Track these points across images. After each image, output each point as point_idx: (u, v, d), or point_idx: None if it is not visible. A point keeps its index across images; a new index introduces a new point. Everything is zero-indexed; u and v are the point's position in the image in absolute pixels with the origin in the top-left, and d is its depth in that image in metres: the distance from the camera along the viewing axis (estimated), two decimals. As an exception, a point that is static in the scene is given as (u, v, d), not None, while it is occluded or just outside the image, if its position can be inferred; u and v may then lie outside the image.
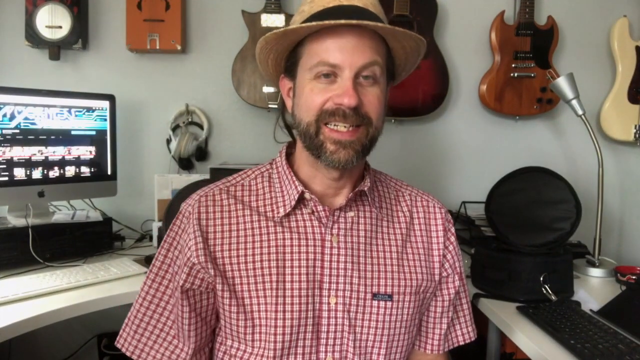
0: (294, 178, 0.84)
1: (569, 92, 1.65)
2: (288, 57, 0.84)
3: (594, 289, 1.48)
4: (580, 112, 1.66)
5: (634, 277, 1.47)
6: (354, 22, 0.73)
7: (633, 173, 2.10)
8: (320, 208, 0.84)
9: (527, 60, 1.95)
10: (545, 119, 2.08)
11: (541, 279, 1.28)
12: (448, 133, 2.08)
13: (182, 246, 0.84)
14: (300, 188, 0.83)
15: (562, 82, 1.65)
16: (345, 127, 0.77)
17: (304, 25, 0.75)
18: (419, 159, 2.08)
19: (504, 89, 1.97)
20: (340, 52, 0.75)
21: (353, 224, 0.85)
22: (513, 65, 1.96)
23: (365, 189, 0.86)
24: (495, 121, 2.08)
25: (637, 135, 1.97)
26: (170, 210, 1.42)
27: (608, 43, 2.02)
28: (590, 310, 1.24)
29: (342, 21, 0.73)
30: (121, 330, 0.87)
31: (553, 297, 1.26)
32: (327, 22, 0.73)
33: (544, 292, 1.27)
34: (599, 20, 2.03)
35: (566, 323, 1.13)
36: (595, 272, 1.60)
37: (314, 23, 0.74)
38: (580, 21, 2.04)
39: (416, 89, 1.94)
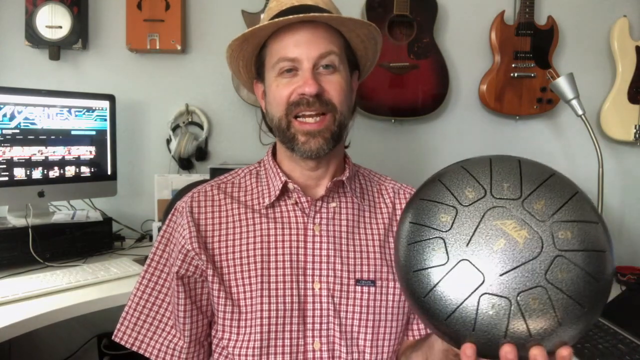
0: (278, 170, 0.89)
1: (569, 92, 1.65)
2: (256, 62, 0.89)
3: (594, 289, 1.47)
4: (580, 112, 1.66)
5: (634, 277, 1.47)
6: (300, 16, 0.78)
7: (633, 173, 2.10)
8: (303, 199, 0.88)
9: (527, 60, 1.95)
10: (545, 119, 2.08)
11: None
12: (448, 133, 2.08)
13: (177, 238, 0.87)
14: (283, 179, 0.87)
15: (562, 82, 1.65)
16: (312, 118, 0.82)
17: (255, 27, 0.81)
18: (419, 159, 2.08)
19: (504, 89, 1.97)
20: (297, 46, 0.81)
21: (335, 214, 0.89)
22: (513, 65, 1.96)
23: (344, 178, 0.89)
24: (495, 121, 2.08)
25: (637, 135, 1.97)
26: (169, 210, 1.42)
27: (608, 43, 2.02)
28: (590, 310, 1.24)
29: (291, 17, 0.78)
30: (118, 324, 0.89)
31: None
32: (276, 20, 0.79)
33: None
34: (599, 20, 2.03)
35: (566, 323, 1.13)
36: (595, 272, 1.60)
37: (265, 22, 0.81)
38: (580, 21, 2.04)
39: (416, 89, 1.94)
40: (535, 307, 0.55)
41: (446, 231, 0.60)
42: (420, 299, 0.59)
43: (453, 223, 0.60)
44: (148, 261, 0.91)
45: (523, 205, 0.59)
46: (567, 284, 0.55)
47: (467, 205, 0.60)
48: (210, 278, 0.84)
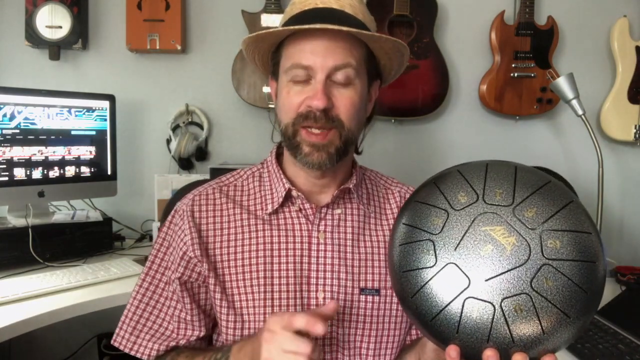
0: (282, 176, 0.86)
1: (569, 92, 1.65)
2: (272, 57, 0.86)
3: (594, 289, 1.47)
4: (580, 112, 1.66)
5: (634, 277, 1.47)
6: (318, 26, 0.74)
7: (633, 173, 2.10)
8: (307, 206, 0.86)
9: (527, 60, 1.95)
10: (545, 119, 2.07)
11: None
12: (448, 133, 2.08)
13: (177, 242, 0.85)
14: (287, 185, 0.85)
15: (562, 82, 1.66)
16: (318, 130, 0.79)
17: (271, 31, 0.78)
18: (419, 159, 2.08)
19: (504, 89, 1.97)
20: (313, 54, 0.77)
21: (340, 221, 0.87)
22: (513, 65, 1.96)
23: (351, 186, 0.87)
24: (495, 121, 2.08)
25: (637, 135, 1.97)
26: (168, 210, 1.42)
27: (608, 43, 2.02)
28: (590, 310, 1.24)
29: (306, 26, 0.75)
30: (117, 329, 0.87)
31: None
32: (290, 27, 0.76)
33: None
34: (599, 20, 2.03)
35: (566, 323, 1.13)
36: (595, 272, 1.60)
37: (280, 28, 0.78)
38: (580, 21, 2.04)
39: (416, 89, 1.94)
40: (519, 313, 0.55)
41: (436, 234, 0.60)
42: (409, 298, 0.61)
43: (444, 226, 0.60)
44: (148, 264, 0.88)
45: (514, 212, 0.59)
46: (553, 292, 0.56)
47: (458, 210, 0.61)
48: (212, 287, 0.83)
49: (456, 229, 0.60)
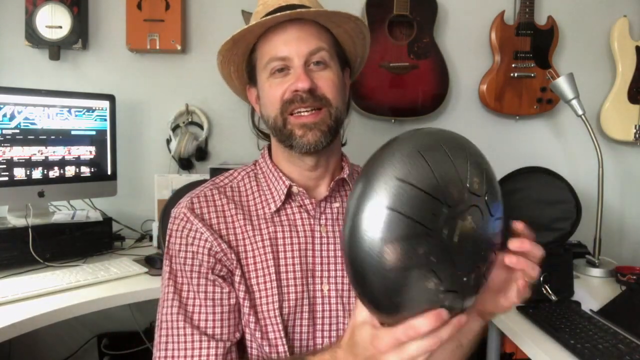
0: (281, 174, 0.87)
1: (569, 92, 1.65)
2: (247, 66, 0.89)
3: (594, 289, 1.47)
4: (580, 112, 1.66)
5: (634, 277, 1.47)
6: (287, 13, 0.79)
7: (633, 173, 2.10)
8: (307, 201, 0.87)
9: (527, 60, 1.96)
10: (545, 119, 2.08)
11: (541, 279, 1.28)
12: (448, 133, 2.08)
13: (197, 242, 0.82)
14: (287, 182, 0.86)
15: (562, 82, 1.65)
16: (307, 111, 0.81)
17: (243, 29, 0.81)
18: (419, 159, 2.08)
19: (504, 89, 1.97)
20: (286, 44, 0.81)
21: (339, 214, 0.89)
22: (513, 65, 1.96)
23: (345, 176, 0.89)
24: (495, 121, 2.08)
25: (637, 135, 1.97)
26: (167, 210, 1.42)
27: (608, 43, 2.02)
28: (590, 310, 1.24)
29: (277, 15, 0.79)
30: (155, 350, 0.82)
31: (553, 297, 1.26)
32: (262, 19, 0.79)
33: (544, 292, 1.27)
34: (599, 20, 2.04)
35: (566, 323, 1.13)
36: (595, 272, 1.60)
37: (253, 23, 0.81)
38: (580, 21, 2.04)
39: (416, 89, 1.94)
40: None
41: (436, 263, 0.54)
42: None
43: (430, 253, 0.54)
44: (165, 275, 0.83)
45: (486, 198, 0.61)
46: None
47: (433, 229, 0.54)
48: (237, 278, 0.82)
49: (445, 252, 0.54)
